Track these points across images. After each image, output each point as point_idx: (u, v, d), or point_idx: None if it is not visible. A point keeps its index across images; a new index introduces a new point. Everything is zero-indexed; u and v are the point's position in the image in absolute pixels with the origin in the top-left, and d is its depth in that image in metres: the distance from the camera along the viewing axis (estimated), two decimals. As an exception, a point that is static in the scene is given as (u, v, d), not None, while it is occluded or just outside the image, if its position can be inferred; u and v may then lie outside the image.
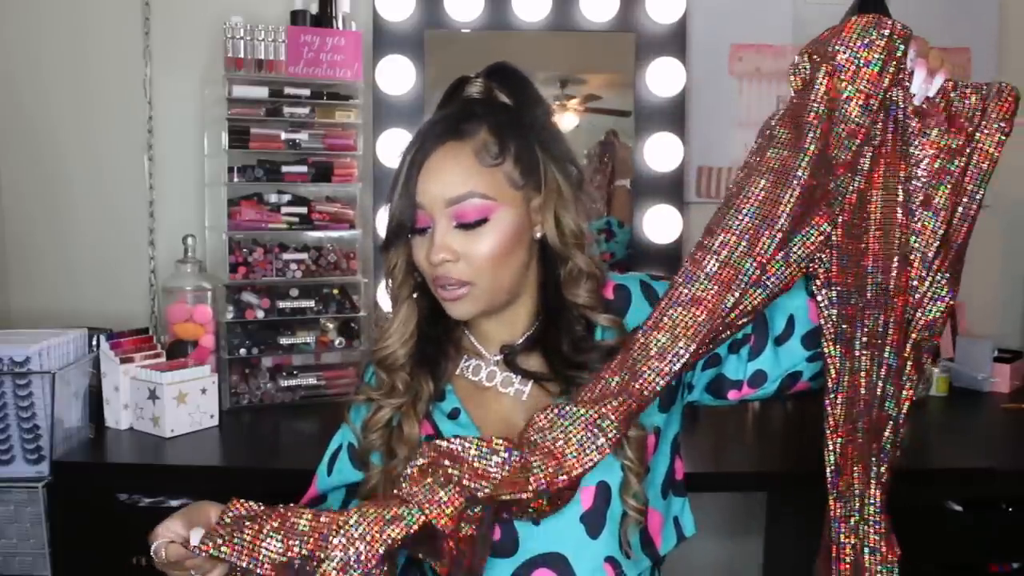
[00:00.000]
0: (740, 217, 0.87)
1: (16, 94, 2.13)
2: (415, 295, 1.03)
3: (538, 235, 1.00)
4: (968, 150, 0.88)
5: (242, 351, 1.93)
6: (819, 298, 0.92)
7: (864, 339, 0.91)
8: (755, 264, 0.87)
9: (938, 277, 0.90)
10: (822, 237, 0.89)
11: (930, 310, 0.90)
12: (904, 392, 0.92)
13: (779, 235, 0.86)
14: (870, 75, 0.86)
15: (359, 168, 2.03)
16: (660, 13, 2.12)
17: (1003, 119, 0.88)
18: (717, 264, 0.87)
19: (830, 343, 0.92)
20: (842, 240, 0.90)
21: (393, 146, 2.08)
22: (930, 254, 0.89)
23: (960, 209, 0.89)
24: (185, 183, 2.13)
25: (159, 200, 2.15)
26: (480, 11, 2.10)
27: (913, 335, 0.91)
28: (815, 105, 0.86)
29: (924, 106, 0.89)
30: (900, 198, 0.89)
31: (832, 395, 0.92)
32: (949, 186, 0.89)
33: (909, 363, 0.91)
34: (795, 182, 0.86)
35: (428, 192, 0.95)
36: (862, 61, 0.86)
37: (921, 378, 0.93)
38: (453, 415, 1.01)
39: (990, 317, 2.28)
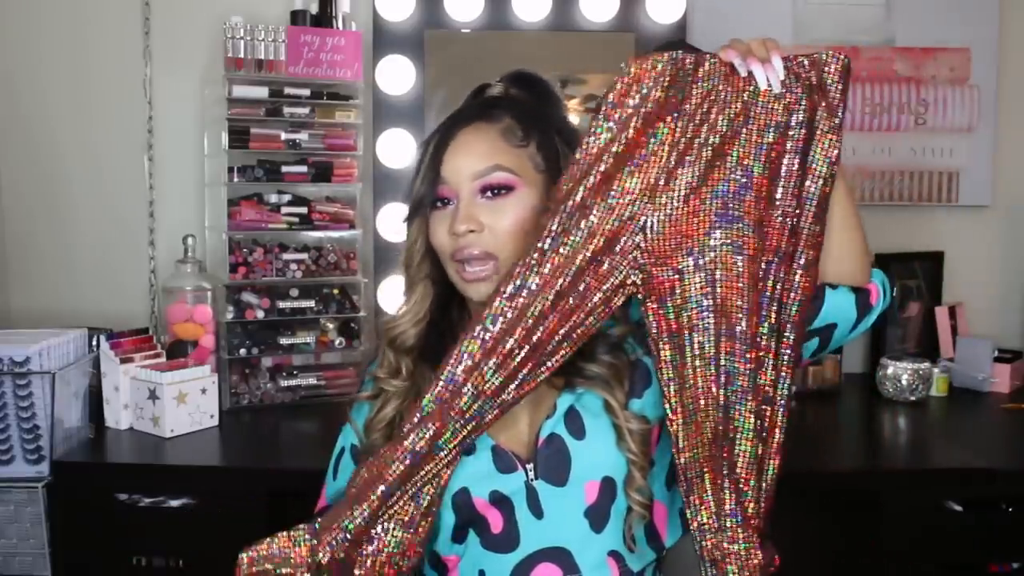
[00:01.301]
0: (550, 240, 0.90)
1: (16, 94, 2.13)
2: (429, 278, 1.04)
3: None
4: (824, 124, 0.90)
5: (242, 351, 1.93)
6: (644, 309, 0.92)
7: (695, 349, 0.90)
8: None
9: (798, 254, 0.90)
10: (634, 250, 0.90)
11: (791, 305, 0.91)
12: (776, 393, 0.92)
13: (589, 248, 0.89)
14: (656, 99, 0.90)
15: (359, 168, 2.02)
16: (660, 13, 2.12)
17: (836, 82, 0.90)
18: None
19: (661, 351, 0.92)
20: (657, 250, 0.90)
21: (393, 146, 2.08)
22: (782, 242, 0.89)
23: (812, 187, 0.90)
24: (185, 183, 2.13)
25: (159, 200, 2.15)
26: (480, 11, 2.10)
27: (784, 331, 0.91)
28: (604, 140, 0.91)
29: (784, 90, 0.89)
30: (725, 198, 0.89)
31: (669, 411, 0.92)
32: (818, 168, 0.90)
33: (768, 365, 0.91)
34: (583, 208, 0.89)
35: (454, 167, 0.97)
36: (652, 86, 0.90)
37: (792, 377, 0.92)
38: None
39: (990, 317, 2.28)
